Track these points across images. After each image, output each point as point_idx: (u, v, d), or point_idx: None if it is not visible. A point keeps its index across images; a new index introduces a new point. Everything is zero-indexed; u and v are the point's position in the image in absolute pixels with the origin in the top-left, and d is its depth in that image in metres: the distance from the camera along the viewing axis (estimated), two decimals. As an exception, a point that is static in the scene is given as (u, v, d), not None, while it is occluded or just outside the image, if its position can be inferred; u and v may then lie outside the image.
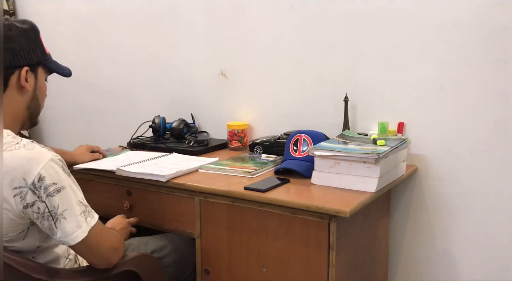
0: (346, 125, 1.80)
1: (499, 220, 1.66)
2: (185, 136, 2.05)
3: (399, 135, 1.71)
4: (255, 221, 1.44)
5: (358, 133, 1.74)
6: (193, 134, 2.10)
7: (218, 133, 2.17)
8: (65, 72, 1.42)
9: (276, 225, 1.40)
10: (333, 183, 1.46)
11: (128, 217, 1.67)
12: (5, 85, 1.23)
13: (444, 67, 1.67)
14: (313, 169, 1.50)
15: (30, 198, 1.13)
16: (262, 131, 2.08)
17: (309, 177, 1.51)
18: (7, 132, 1.20)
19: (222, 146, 2.04)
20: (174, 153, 1.90)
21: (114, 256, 1.28)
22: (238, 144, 2.01)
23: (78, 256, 1.38)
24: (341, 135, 1.65)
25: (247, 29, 2.06)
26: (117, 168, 1.64)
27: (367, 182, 1.41)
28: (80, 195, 1.22)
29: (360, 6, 1.78)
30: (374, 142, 1.53)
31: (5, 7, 2.73)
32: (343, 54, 1.85)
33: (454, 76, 1.66)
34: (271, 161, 1.74)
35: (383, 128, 1.70)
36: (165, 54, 2.32)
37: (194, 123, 2.21)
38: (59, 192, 1.15)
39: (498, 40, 1.57)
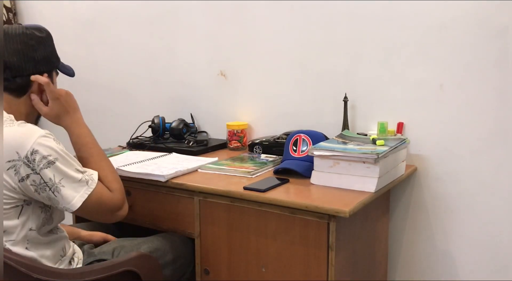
0: (345, 125, 1.80)
1: (498, 219, 1.66)
2: (185, 136, 2.05)
3: (399, 135, 1.71)
4: (254, 221, 1.44)
5: (357, 133, 1.74)
6: (193, 134, 2.10)
7: (218, 133, 2.17)
8: (70, 72, 1.51)
9: (275, 225, 1.40)
10: (332, 183, 1.46)
11: (127, 217, 1.68)
12: (25, 91, 1.33)
13: (444, 67, 1.67)
14: (313, 169, 1.50)
15: (24, 171, 1.17)
16: (261, 131, 2.08)
17: (309, 177, 1.51)
18: (8, 115, 1.27)
19: (221, 145, 2.04)
20: (173, 153, 1.90)
21: (116, 216, 1.35)
22: (238, 143, 2.01)
23: (74, 257, 1.38)
24: (340, 135, 1.65)
25: (246, 29, 2.06)
26: (117, 168, 1.64)
27: (367, 182, 1.41)
28: (75, 163, 1.28)
29: (360, 6, 1.78)
30: (374, 141, 1.53)
31: (8, 5, 2.74)
32: (343, 54, 1.85)
33: (454, 76, 1.66)
34: (271, 161, 1.74)
35: (382, 128, 1.70)
36: (165, 54, 2.32)
37: (193, 123, 2.21)
38: (53, 163, 1.20)
39: (498, 40, 1.57)
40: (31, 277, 1.14)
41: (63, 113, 1.40)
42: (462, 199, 1.70)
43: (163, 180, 1.55)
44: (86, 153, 1.39)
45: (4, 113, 1.27)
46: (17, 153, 1.16)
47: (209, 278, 1.55)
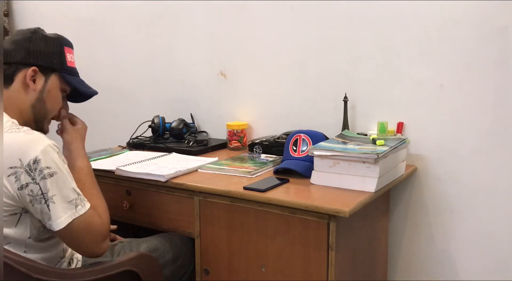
0: (345, 125, 1.81)
1: (498, 219, 1.66)
2: (185, 136, 2.05)
3: (399, 135, 1.71)
4: (254, 221, 1.44)
5: (357, 133, 1.74)
6: (193, 134, 2.10)
7: (218, 133, 2.17)
8: (88, 91, 1.44)
9: (275, 225, 1.40)
10: (332, 182, 1.46)
11: (127, 217, 1.68)
12: (11, 79, 1.28)
13: (444, 67, 1.67)
14: (313, 169, 1.50)
15: (24, 178, 1.14)
16: (261, 131, 2.08)
17: (309, 176, 1.51)
18: (12, 121, 1.24)
19: (221, 145, 2.04)
20: (173, 153, 1.90)
21: (99, 247, 1.27)
22: (238, 143, 2.01)
23: (74, 258, 1.38)
24: (340, 135, 1.65)
25: (247, 29, 2.06)
26: (117, 168, 1.64)
27: (367, 182, 1.41)
28: (73, 183, 1.23)
29: (360, 6, 1.78)
30: (374, 141, 1.53)
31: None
32: (343, 54, 1.85)
33: (454, 76, 1.66)
34: (271, 161, 1.74)
35: (382, 128, 1.70)
36: (165, 54, 2.32)
37: (193, 123, 2.22)
38: (52, 176, 1.16)
39: (498, 40, 1.57)
40: (31, 277, 1.14)
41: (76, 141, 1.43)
42: (462, 199, 1.70)
43: (163, 180, 1.55)
44: (81, 181, 1.33)
45: (7, 118, 1.24)
46: (20, 160, 1.13)
47: (209, 278, 1.55)
